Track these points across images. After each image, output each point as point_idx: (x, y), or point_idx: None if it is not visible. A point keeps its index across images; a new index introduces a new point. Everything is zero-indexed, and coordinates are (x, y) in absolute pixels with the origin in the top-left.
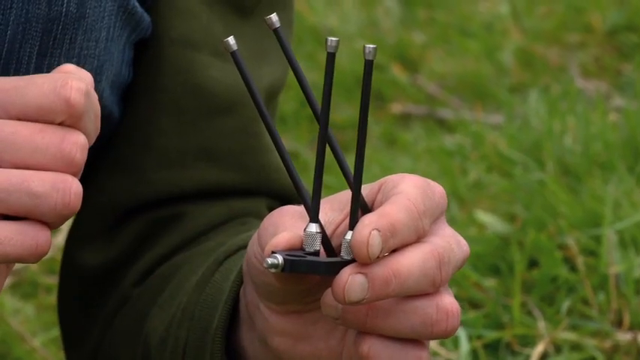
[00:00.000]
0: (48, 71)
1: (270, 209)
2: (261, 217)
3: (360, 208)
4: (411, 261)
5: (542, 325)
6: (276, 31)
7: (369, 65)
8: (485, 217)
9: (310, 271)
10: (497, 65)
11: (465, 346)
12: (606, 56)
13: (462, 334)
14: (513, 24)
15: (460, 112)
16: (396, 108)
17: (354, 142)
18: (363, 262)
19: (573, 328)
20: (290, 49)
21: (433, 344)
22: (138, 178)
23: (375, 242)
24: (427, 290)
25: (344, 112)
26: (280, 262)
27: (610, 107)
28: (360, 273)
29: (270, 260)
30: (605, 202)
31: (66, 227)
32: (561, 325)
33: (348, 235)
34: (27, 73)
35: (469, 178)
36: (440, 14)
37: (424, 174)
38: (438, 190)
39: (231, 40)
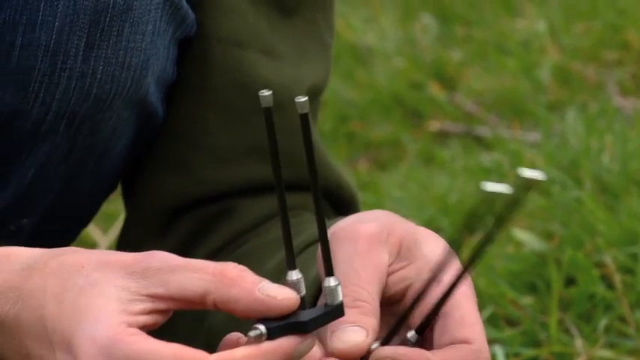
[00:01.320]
0: (95, 64)
1: None
2: (309, 210)
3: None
4: None
5: (579, 342)
6: (303, 116)
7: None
8: (522, 234)
9: (296, 332)
10: (534, 83)
11: None
12: None
13: (499, 352)
14: (551, 41)
15: (497, 129)
16: (434, 126)
17: (392, 160)
18: None
19: (610, 346)
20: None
21: None
22: (187, 177)
23: None
24: None
25: (381, 130)
26: (263, 331)
27: None
28: None
29: (252, 333)
30: None
31: (104, 240)
32: (598, 343)
33: (327, 282)
34: (74, 65)
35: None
36: (477, 32)
37: (461, 192)
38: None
39: (266, 92)
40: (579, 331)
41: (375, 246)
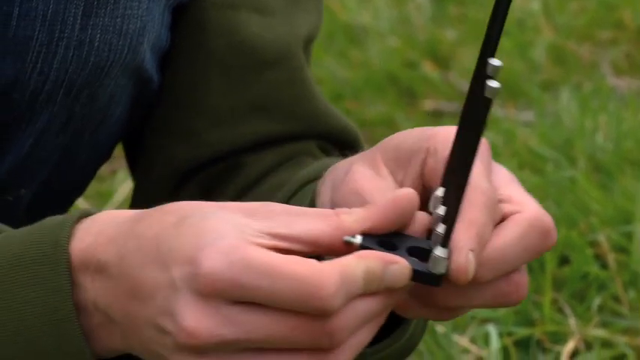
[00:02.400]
0: (93, 32)
1: (321, 148)
2: (313, 155)
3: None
4: (503, 244)
5: (572, 322)
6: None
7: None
8: None
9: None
10: (528, 62)
11: (495, 342)
12: (638, 53)
13: (492, 330)
14: (545, 21)
15: (492, 109)
16: (428, 105)
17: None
18: (462, 284)
19: (604, 325)
20: None
21: (463, 341)
22: (193, 141)
23: (472, 265)
24: (527, 261)
25: (376, 109)
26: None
27: None
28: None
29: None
30: (637, 199)
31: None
32: (592, 323)
33: (437, 251)
34: (72, 34)
35: None
36: (471, 10)
37: None
38: (486, 145)
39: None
40: (573, 311)
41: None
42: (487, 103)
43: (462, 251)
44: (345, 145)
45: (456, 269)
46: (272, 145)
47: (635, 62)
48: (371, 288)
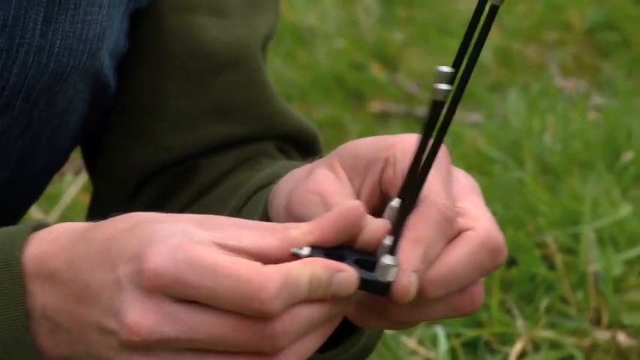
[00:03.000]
0: (53, 38)
1: (279, 149)
2: (271, 156)
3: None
4: (454, 262)
5: (520, 323)
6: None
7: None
8: None
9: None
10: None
11: (443, 344)
12: (585, 54)
13: (440, 332)
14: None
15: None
16: (375, 106)
17: (333, 141)
18: (404, 303)
19: (552, 326)
20: None
21: (411, 343)
22: (152, 145)
23: (414, 287)
24: (475, 279)
25: (323, 111)
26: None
27: (589, 106)
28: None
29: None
30: (584, 200)
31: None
32: (540, 324)
33: (385, 259)
34: (32, 39)
35: None
36: (419, 13)
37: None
38: (446, 152)
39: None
40: (520, 312)
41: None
42: (435, 106)
43: (405, 273)
44: (303, 145)
45: (398, 290)
46: (231, 147)
47: (582, 63)
48: (316, 294)
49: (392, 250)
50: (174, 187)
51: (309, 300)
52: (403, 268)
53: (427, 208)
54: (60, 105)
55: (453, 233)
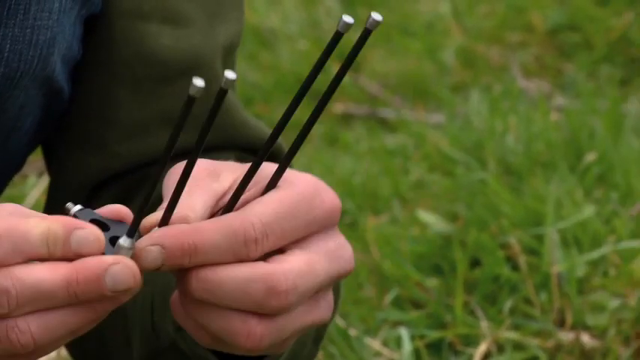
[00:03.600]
0: (2, 43)
1: (240, 160)
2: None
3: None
4: (227, 276)
5: (484, 324)
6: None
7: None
8: (427, 216)
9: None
10: (438, 65)
11: (407, 345)
12: (547, 56)
13: (404, 333)
14: (454, 23)
15: (402, 111)
16: (338, 108)
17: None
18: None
19: (516, 327)
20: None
21: (375, 344)
22: (103, 153)
23: (149, 258)
24: (247, 308)
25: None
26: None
27: (551, 107)
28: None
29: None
30: (547, 201)
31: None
32: (504, 325)
33: (123, 240)
34: None
35: (411, 178)
36: (381, 13)
37: (366, 174)
38: (325, 203)
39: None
40: (484, 313)
41: (205, 175)
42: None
43: (146, 240)
44: (268, 157)
45: (137, 249)
46: (183, 157)
47: (545, 64)
48: (56, 251)
49: (130, 231)
50: (129, 197)
51: (50, 257)
52: (150, 235)
53: (233, 217)
54: (12, 110)
55: (246, 253)
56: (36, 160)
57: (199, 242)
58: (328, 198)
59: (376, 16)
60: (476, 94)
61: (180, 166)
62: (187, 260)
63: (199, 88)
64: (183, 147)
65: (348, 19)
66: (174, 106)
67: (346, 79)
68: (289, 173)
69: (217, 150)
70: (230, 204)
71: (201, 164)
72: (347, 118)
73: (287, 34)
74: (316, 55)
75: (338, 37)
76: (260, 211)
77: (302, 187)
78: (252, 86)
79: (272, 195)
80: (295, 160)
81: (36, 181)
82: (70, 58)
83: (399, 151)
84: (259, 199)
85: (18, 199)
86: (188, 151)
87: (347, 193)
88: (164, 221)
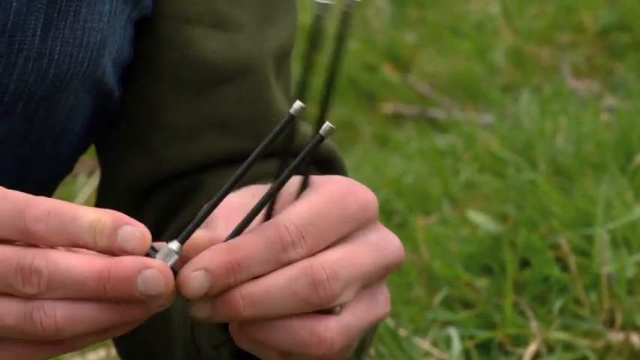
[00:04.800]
0: (53, 45)
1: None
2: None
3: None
4: (270, 283)
5: (534, 325)
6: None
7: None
8: (477, 217)
9: None
10: (488, 65)
11: (457, 346)
12: (598, 56)
13: (454, 334)
14: (505, 24)
15: (452, 112)
16: (388, 108)
17: (346, 142)
18: (186, 297)
19: (565, 328)
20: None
21: (425, 344)
22: (150, 157)
23: (196, 284)
24: (299, 310)
25: (336, 112)
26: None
27: (602, 107)
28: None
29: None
30: (597, 201)
31: None
32: (553, 325)
33: (172, 244)
34: (32, 45)
35: (461, 178)
36: (431, 14)
37: (416, 174)
38: (359, 200)
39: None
40: (534, 313)
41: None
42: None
43: (190, 267)
44: (320, 163)
45: (179, 279)
46: (234, 163)
47: (595, 65)
48: (101, 240)
49: (183, 239)
50: (178, 203)
51: (94, 246)
52: (192, 261)
53: (266, 226)
54: (62, 112)
55: (287, 258)
56: (86, 159)
57: (240, 258)
58: (361, 193)
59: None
60: (526, 94)
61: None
62: (233, 279)
63: (300, 108)
64: (233, 154)
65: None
66: (220, 111)
67: (396, 79)
68: (317, 178)
69: (266, 157)
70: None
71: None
72: (397, 119)
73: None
74: (366, 56)
75: (317, 21)
76: (292, 215)
77: (332, 187)
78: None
79: (302, 199)
80: (345, 160)
81: (86, 181)
82: (121, 61)
83: (449, 152)
84: (289, 206)
85: (68, 199)
86: (238, 157)
87: (397, 194)
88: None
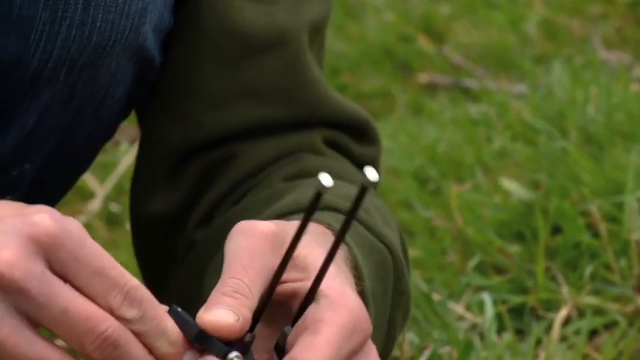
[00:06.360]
0: (95, 12)
1: (327, 140)
2: (315, 151)
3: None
4: None
5: (565, 290)
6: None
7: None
8: (509, 184)
9: None
10: (521, 36)
11: (490, 310)
12: (628, 27)
13: (487, 298)
14: None
15: (485, 81)
16: (423, 78)
17: (382, 111)
18: None
19: (596, 293)
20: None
21: (458, 308)
22: (187, 123)
23: None
24: None
25: (372, 82)
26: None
27: (632, 78)
28: None
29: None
30: (627, 170)
31: (102, 190)
32: (584, 290)
33: (232, 354)
34: (75, 13)
35: (494, 147)
36: None
37: (450, 142)
38: (365, 330)
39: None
40: (565, 279)
41: (267, 246)
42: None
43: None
44: (355, 132)
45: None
46: (270, 133)
47: (625, 36)
48: (144, 324)
49: (244, 351)
50: (213, 173)
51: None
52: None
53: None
54: (103, 78)
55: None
56: (128, 127)
57: None
58: (367, 325)
59: (371, 174)
60: (558, 65)
61: (245, 225)
62: None
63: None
64: (269, 122)
65: (325, 180)
66: (256, 80)
67: (431, 49)
68: (331, 291)
69: (298, 128)
70: (268, 292)
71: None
72: (431, 88)
73: (373, 5)
74: (402, 27)
75: (318, 196)
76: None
77: (342, 320)
78: (339, 56)
79: (319, 336)
80: (381, 128)
81: (128, 148)
82: (162, 28)
83: (483, 121)
84: (306, 340)
85: (110, 166)
86: (273, 126)
87: (431, 161)
88: None
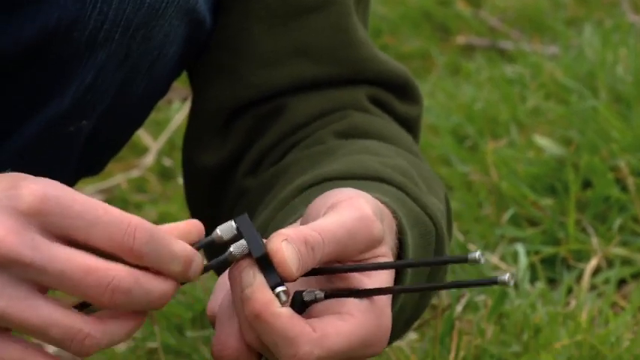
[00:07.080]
0: None
1: (371, 98)
2: (360, 108)
3: None
4: None
5: (595, 241)
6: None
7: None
8: (542, 141)
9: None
10: (554, 1)
11: (523, 260)
12: None
13: (520, 249)
14: None
15: (520, 43)
16: (460, 40)
17: (421, 71)
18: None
19: (624, 244)
20: None
21: (493, 259)
22: (237, 81)
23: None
24: None
25: (412, 44)
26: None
27: None
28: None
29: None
30: None
31: (155, 145)
32: (613, 242)
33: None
34: None
35: (528, 105)
36: None
37: (486, 101)
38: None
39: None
40: (595, 231)
41: (362, 235)
42: None
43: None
44: (398, 89)
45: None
46: (316, 89)
47: None
48: (157, 255)
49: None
50: (261, 125)
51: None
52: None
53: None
54: (157, 39)
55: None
56: (180, 87)
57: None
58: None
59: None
60: (588, 27)
61: (334, 194)
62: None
63: (507, 282)
64: (315, 79)
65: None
66: (305, 39)
67: (468, 12)
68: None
69: (343, 85)
70: None
71: None
72: (469, 49)
73: None
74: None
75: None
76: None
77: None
78: (380, 18)
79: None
80: (420, 88)
81: (180, 106)
82: None
83: (517, 80)
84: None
85: (163, 123)
86: (319, 83)
87: (468, 119)
88: None
